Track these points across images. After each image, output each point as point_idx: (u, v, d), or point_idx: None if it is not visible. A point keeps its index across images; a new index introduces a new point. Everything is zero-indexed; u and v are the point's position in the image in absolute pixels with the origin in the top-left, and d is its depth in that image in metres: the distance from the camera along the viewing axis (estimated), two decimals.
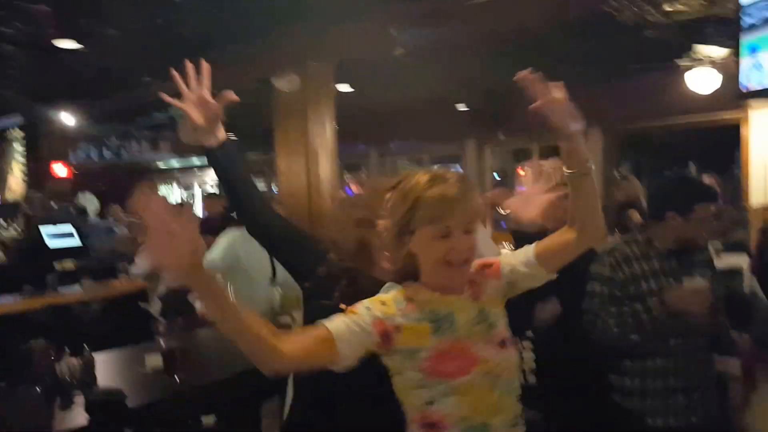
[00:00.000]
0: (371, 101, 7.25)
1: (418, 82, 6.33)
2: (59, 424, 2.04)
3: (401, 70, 5.71)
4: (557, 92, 1.34)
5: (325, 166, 5.14)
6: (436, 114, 8.21)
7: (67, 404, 2.14)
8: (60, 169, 8.60)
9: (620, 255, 2.16)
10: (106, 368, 2.61)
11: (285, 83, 4.85)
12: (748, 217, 5.88)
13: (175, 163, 14.03)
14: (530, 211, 1.85)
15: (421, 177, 1.29)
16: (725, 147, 6.91)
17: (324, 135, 5.15)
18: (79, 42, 5.22)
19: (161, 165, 14.20)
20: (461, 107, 8.08)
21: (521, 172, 9.79)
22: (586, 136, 6.95)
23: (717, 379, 2.21)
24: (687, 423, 2.07)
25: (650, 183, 6.22)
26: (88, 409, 2.08)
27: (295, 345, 1.21)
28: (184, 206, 1.41)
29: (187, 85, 1.64)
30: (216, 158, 1.73)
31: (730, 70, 5.69)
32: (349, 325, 1.23)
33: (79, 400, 2.15)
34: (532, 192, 1.88)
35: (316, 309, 1.46)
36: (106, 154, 11.62)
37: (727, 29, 5.02)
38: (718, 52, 5.64)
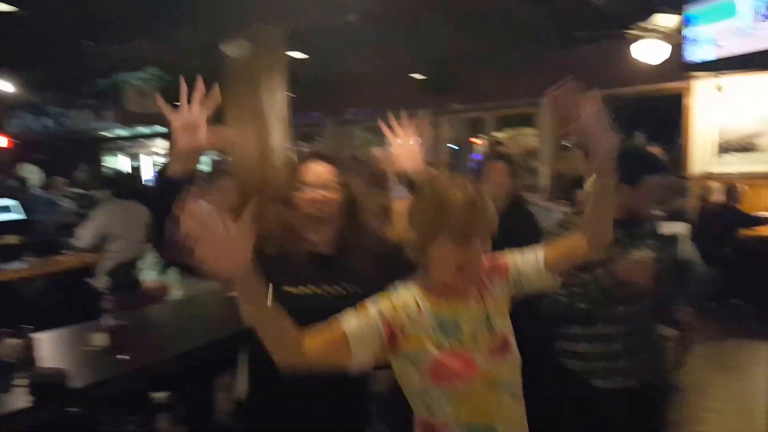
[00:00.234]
0: (325, 69, 7.11)
1: (371, 50, 6.23)
2: None
3: (355, 37, 5.61)
4: (593, 105, 1.39)
5: (278, 135, 5.02)
6: (392, 83, 8.12)
7: (7, 386, 2.04)
8: None
9: (570, 226, 2.19)
10: (50, 347, 2.51)
11: (234, 49, 4.67)
12: (688, 185, 6.08)
13: (121, 131, 13.55)
14: (411, 161, 1.84)
15: (450, 189, 1.31)
16: (670, 117, 7.08)
17: (276, 103, 5.01)
18: (14, 5, 4.90)
19: (106, 134, 13.69)
20: (417, 76, 8.01)
21: (476, 142, 9.84)
22: (538, 108, 7.04)
23: (657, 342, 2.28)
24: (629, 384, 2.15)
25: None
26: (29, 391, 1.99)
27: (314, 343, 1.23)
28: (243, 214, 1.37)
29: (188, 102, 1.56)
30: (166, 185, 1.55)
31: (675, 41, 5.81)
32: (362, 326, 1.27)
33: (20, 381, 2.06)
34: (407, 142, 1.86)
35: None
36: (47, 123, 11.09)
37: (674, 1, 5.10)
38: (665, 23, 5.73)
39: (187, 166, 1.53)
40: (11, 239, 5.22)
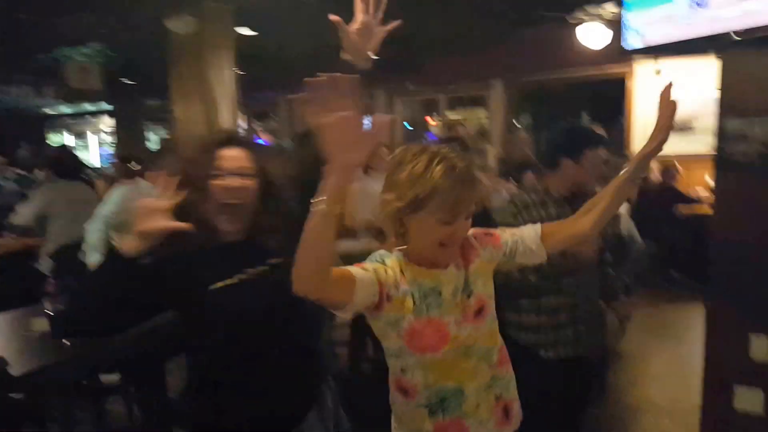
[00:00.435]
0: (276, 46, 6.95)
1: (323, 28, 6.11)
2: None
3: (305, 14, 5.48)
4: (671, 103, 1.44)
5: (226, 113, 4.90)
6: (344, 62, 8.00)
7: None
8: None
9: (520, 203, 2.26)
10: None
11: (179, 25, 4.51)
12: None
13: (64, 109, 13.00)
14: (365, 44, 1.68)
15: (437, 165, 1.26)
16: (615, 99, 7.26)
17: (224, 81, 4.88)
18: None
19: (49, 111, 13.10)
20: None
21: (430, 121, 9.84)
22: (489, 90, 7.07)
23: (599, 312, 2.35)
24: (574, 354, 2.21)
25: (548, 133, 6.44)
26: None
27: (332, 276, 1.17)
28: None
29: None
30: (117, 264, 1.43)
31: (617, 26, 5.93)
32: (364, 277, 1.25)
33: None
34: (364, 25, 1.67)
35: None
36: None
37: None
38: (609, 8, 5.83)
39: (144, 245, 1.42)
40: None
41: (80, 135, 15.12)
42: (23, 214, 4.41)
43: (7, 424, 2.14)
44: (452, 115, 8.89)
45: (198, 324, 1.51)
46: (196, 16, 4.58)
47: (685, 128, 6.49)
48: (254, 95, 9.01)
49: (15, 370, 2.02)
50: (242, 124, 8.83)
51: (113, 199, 3.73)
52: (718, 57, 2.51)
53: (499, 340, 1.45)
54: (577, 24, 6.18)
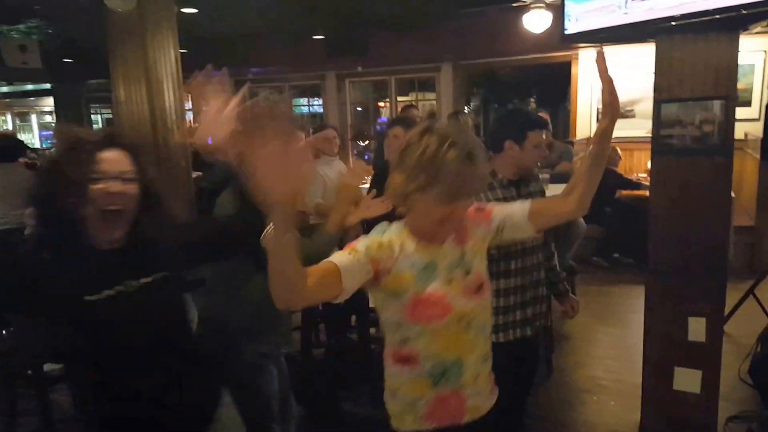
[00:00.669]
0: (223, 25, 6.72)
1: (270, 8, 5.94)
2: None
3: None
4: (604, 67, 1.45)
5: (170, 94, 4.69)
6: (294, 42, 7.83)
7: None
8: None
9: None
10: None
11: (117, 2, 4.28)
12: (574, 150, 6.35)
13: (2, 88, 12.33)
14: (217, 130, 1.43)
15: (448, 149, 1.29)
16: (561, 84, 7.34)
17: (167, 61, 4.65)
18: None
19: None
20: (319, 37, 7.78)
21: (380, 104, 9.65)
22: (438, 73, 6.98)
23: (545, 294, 2.36)
24: (522, 336, 2.22)
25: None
26: None
27: (313, 280, 1.20)
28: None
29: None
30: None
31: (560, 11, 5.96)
32: (352, 261, 1.29)
33: None
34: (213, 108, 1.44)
35: None
36: None
37: None
38: None
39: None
40: None
41: (23, 116, 14.43)
42: None
43: None
44: (403, 99, 8.84)
45: (73, 334, 1.43)
46: None
47: (626, 113, 6.63)
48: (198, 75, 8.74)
49: None
50: (187, 104, 8.56)
51: None
52: (654, 42, 2.53)
53: (491, 316, 1.50)
54: (523, 9, 6.18)
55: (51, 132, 13.22)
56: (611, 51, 6.49)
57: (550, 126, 5.91)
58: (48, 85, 10.93)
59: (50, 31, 7.07)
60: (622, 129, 6.70)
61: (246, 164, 0.98)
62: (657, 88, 2.54)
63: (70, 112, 10.94)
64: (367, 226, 3.37)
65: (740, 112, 2.53)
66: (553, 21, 5.96)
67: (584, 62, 6.89)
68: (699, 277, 2.52)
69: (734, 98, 2.42)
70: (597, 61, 1.45)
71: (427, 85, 8.81)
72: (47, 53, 7.49)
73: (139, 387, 1.44)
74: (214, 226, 1.73)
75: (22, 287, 1.36)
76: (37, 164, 5.43)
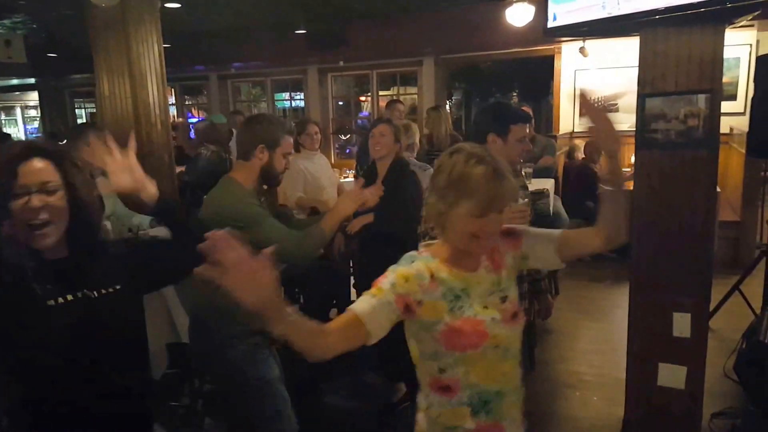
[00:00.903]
0: (205, 21, 6.58)
1: (250, 1, 5.82)
2: None
3: None
4: (606, 116, 1.42)
5: (154, 89, 4.56)
6: (276, 37, 7.69)
7: None
8: None
9: None
10: None
11: None
12: (556, 143, 6.28)
13: None
14: (127, 177, 1.50)
15: (475, 165, 1.32)
16: (543, 78, 7.27)
17: (150, 55, 4.52)
18: None
19: None
20: (300, 31, 7.64)
21: (362, 99, 9.57)
22: (420, 67, 6.86)
23: (526, 291, 2.30)
24: None
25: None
26: None
27: (335, 336, 1.26)
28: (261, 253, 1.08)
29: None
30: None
31: (543, 5, 5.88)
32: (375, 305, 1.29)
33: None
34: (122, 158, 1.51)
35: None
36: None
37: None
38: None
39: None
40: None
41: (8, 110, 14.17)
42: None
43: None
44: (384, 93, 8.75)
45: (16, 344, 1.34)
46: None
47: (609, 107, 6.58)
48: (182, 70, 8.58)
49: None
50: (170, 98, 8.40)
51: None
52: (638, 35, 2.46)
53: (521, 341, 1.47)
54: (505, 2, 6.09)
55: (36, 126, 12.98)
56: (594, 44, 6.44)
57: (533, 120, 5.85)
58: (32, 80, 10.73)
59: (34, 26, 6.90)
60: None
61: (222, 289, 1.06)
62: (641, 82, 2.47)
63: (54, 106, 10.74)
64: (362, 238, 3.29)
65: (725, 106, 2.47)
66: (535, 15, 5.87)
67: (567, 56, 6.82)
68: (684, 273, 2.45)
69: (719, 92, 2.35)
70: (581, 99, 1.46)
71: (408, 80, 8.71)
72: (32, 48, 7.34)
73: (75, 398, 1.37)
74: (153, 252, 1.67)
75: None
76: None
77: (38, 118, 12.57)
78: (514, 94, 11.56)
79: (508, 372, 1.41)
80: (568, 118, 6.91)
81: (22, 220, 1.31)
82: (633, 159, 6.29)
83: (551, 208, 4.70)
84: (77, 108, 11.28)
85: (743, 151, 5.04)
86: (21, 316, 1.32)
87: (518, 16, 5.99)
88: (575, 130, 6.84)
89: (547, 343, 3.94)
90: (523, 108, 3.30)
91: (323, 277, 3.54)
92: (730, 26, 2.34)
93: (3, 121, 14.04)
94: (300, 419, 2.21)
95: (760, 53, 5.63)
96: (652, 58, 2.43)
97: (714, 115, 2.35)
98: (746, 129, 3.15)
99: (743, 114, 5.73)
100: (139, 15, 4.45)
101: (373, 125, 3.24)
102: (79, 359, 1.35)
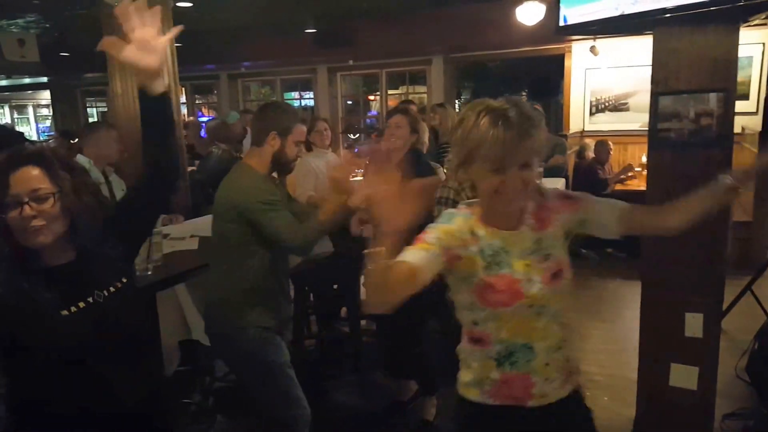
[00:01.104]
0: (216, 19, 6.60)
1: (262, 2, 5.83)
2: None
3: None
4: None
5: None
6: (285, 36, 7.71)
7: None
8: None
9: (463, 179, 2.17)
10: None
11: None
12: (566, 142, 6.25)
13: (2, 82, 12.16)
14: (149, 54, 1.40)
15: (483, 117, 1.30)
16: (552, 78, 7.24)
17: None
18: None
19: None
20: (310, 30, 7.65)
21: (370, 98, 9.54)
22: (429, 66, 6.80)
23: None
24: None
25: None
26: None
27: (400, 286, 1.26)
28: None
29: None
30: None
31: (555, 4, 5.84)
32: (425, 256, 1.31)
33: None
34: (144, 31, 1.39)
35: None
36: None
37: None
38: None
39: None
40: None
41: (20, 108, 14.29)
42: None
43: None
44: (393, 92, 8.74)
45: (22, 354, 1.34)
46: None
47: (619, 106, 6.54)
48: (193, 69, 8.61)
49: None
50: (182, 98, 8.43)
51: None
52: (652, 34, 2.43)
53: (569, 305, 1.45)
54: (516, 1, 6.06)
55: (48, 125, 13.08)
56: (604, 43, 6.40)
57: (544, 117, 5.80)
58: (45, 79, 10.81)
59: (47, 25, 6.95)
60: (615, 122, 6.62)
61: (371, 201, 1.12)
62: (654, 81, 2.44)
63: (66, 105, 10.81)
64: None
65: (737, 106, 2.44)
66: (546, 13, 5.84)
67: (577, 55, 6.78)
68: (696, 273, 2.43)
69: (733, 91, 2.33)
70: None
71: (417, 79, 8.70)
72: (44, 47, 7.39)
73: (84, 400, 1.38)
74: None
75: None
76: None
77: (50, 117, 12.65)
78: (523, 93, 11.52)
79: (541, 328, 1.39)
80: (579, 118, 6.88)
81: (18, 229, 1.32)
82: (644, 158, 6.24)
83: None
84: (89, 107, 11.36)
85: (755, 150, 5.00)
86: (34, 326, 1.32)
87: (529, 14, 5.95)
88: (585, 129, 6.80)
89: None
90: (535, 106, 3.28)
91: (333, 274, 3.54)
92: (744, 25, 2.31)
93: (16, 120, 14.15)
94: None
95: None
96: (665, 56, 2.40)
97: (728, 114, 2.33)
98: (758, 128, 3.13)
99: (755, 114, 5.68)
100: None
101: (389, 116, 3.22)
102: (87, 361, 1.36)
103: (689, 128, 2.40)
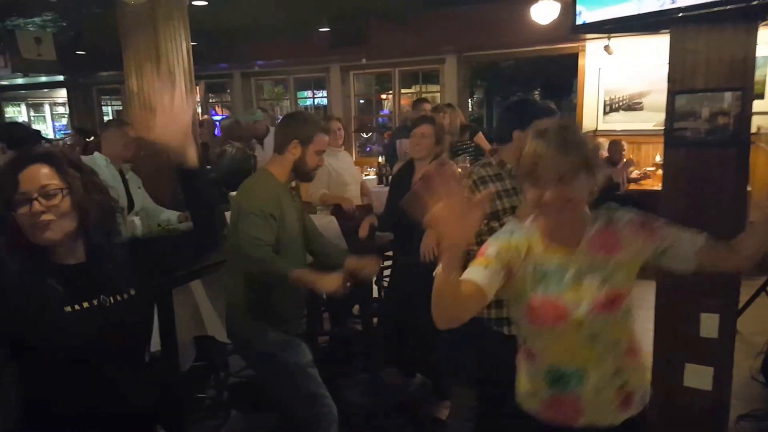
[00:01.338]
0: (230, 18, 6.63)
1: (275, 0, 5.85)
2: None
3: None
4: None
5: (182, 86, 4.61)
6: (298, 35, 7.72)
7: None
8: None
9: (477, 177, 2.19)
10: None
11: None
12: None
13: (18, 80, 12.27)
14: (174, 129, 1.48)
15: (533, 137, 1.35)
16: (566, 77, 7.19)
17: (179, 52, 4.57)
18: None
19: (3, 82, 12.36)
20: (323, 29, 7.66)
21: (383, 97, 9.52)
22: (443, 65, 6.77)
23: None
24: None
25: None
26: None
27: (466, 305, 1.30)
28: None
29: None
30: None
31: (570, 3, 5.81)
32: (488, 275, 1.34)
33: None
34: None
35: None
36: None
37: None
38: None
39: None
40: None
41: (36, 107, 14.43)
42: None
43: None
44: (406, 91, 8.73)
45: (32, 351, 1.36)
46: None
47: (634, 106, 6.49)
48: (207, 68, 8.65)
49: None
50: (197, 97, 8.47)
51: None
52: (668, 33, 2.42)
53: (632, 332, 1.47)
54: (530, 0, 6.03)
55: (64, 123, 13.20)
56: (618, 42, 6.35)
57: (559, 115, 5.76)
58: (61, 77, 10.91)
59: (64, 24, 7.01)
60: (629, 122, 6.57)
61: (430, 215, 1.13)
62: (671, 79, 2.43)
63: (81, 103, 10.91)
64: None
65: (753, 105, 2.42)
66: (560, 12, 5.81)
67: (591, 54, 6.73)
68: (712, 273, 2.41)
69: (751, 90, 2.31)
70: None
71: (430, 78, 8.68)
72: (61, 46, 7.46)
73: (83, 400, 1.38)
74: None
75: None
76: None
77: (66, 115, 12.77)
78: (536, 92, 11.45)
79: (595, 356, 1.38)
80: (592, 117, 6.83)
81: (28, 225, 1.33)
82: (658, 158, 6.18)
83: None
84: (104, 105, 11.46)
85: None
86: (38, 322, 1.33)
87: (543, 13, 5.92)
88: (599, 129, 6.76)
89: None
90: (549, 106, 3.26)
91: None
92: (763, 23, 2.29)
93: (32, 118, 14.30)
94: None
95: None
96: (682, 55, 2.39)
97: (745, 113, 2.31)
98: None
99: None
100: (168, 12, 4.50)
101: (415, 124, 3.20)
102: (91, 362, 1.37)
103: (705, 127, 2.38)
